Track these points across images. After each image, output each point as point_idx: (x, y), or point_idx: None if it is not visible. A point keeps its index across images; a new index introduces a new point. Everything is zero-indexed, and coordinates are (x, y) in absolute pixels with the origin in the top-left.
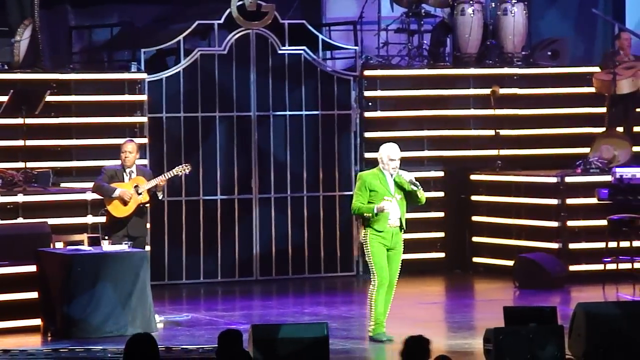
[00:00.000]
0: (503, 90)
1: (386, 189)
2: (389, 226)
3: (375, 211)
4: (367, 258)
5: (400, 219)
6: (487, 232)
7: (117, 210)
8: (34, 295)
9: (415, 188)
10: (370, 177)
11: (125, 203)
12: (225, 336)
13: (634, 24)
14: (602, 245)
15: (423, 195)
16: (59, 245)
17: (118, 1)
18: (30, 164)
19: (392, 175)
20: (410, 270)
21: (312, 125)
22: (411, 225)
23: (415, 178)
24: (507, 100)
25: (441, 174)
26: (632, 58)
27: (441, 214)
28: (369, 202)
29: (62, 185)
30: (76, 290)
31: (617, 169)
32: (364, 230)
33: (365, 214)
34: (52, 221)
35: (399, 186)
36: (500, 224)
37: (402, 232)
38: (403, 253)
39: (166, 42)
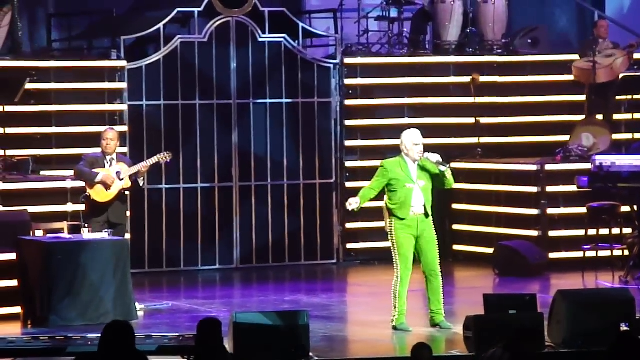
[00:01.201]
0: (483, 78)
1: (407, 175)
2: (413, 213)
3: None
4: (392, 248)
5: (425, 205)
6: (467, 220)
7: (99, 195)
8: (13, 283)
9: (443, 168)
10: (392, 164)
11: (107, 187)
12: (204, 324)
13: (613, 11)
14: (581, 232)
15: (451, 176)
16: (39, 233)
17: None
18: (9, 152)
19: (415, 162)
20: (388, 258)
21: (293, 113)
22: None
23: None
24: (487, 88)
25: None
26: (610, 45)
27: None
28: (391, 190)
29: (42, 173)
30: (56, 278)
31: (597, 157)
32: (389, 220)
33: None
34: (32, 209)
35: (424, 171)
36: (480, 211)
37: (428, 218)
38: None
39: (146, 29)
